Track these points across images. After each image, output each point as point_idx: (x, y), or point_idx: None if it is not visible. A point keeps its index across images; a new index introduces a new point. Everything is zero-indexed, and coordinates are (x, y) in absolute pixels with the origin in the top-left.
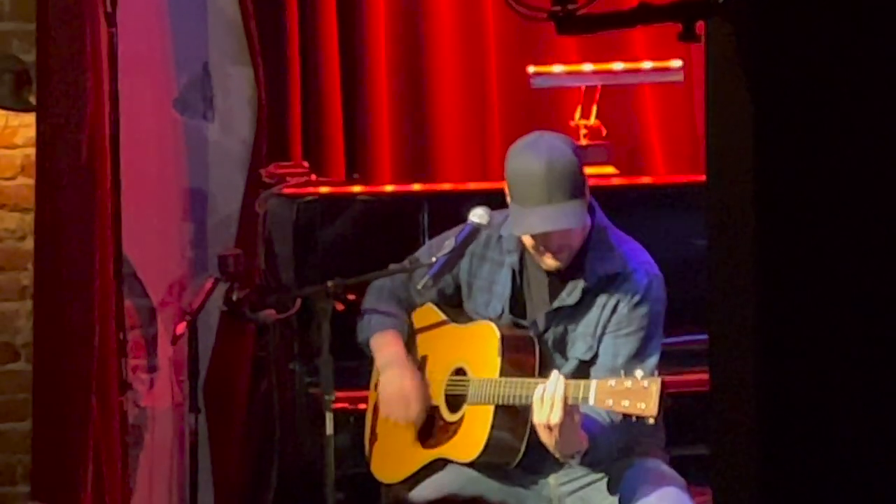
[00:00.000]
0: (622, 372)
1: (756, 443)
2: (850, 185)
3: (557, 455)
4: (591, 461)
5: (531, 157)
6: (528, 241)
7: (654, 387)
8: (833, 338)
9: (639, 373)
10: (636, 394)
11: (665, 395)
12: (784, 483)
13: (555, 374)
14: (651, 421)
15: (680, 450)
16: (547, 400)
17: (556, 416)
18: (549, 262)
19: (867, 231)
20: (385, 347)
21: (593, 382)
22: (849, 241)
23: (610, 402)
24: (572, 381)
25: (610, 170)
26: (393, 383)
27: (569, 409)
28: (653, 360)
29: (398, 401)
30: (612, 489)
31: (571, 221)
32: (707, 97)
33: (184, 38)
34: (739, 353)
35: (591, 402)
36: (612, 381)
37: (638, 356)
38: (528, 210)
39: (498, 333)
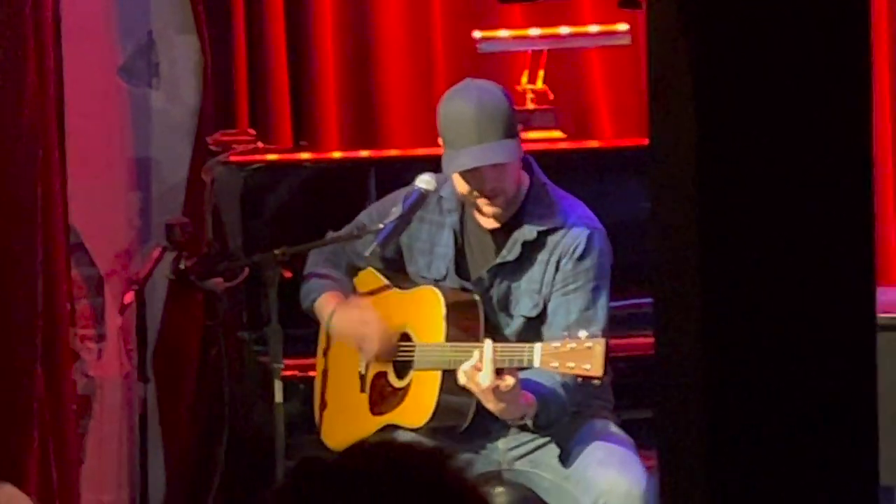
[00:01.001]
0: (566, 334)
1: (702, 405)
2: (794, 146)
3: (507, 420)
4: (544, 423)
5: (461, 100)
6: (462, 186)
7: (598, 347)
8: (778, 298)
9: (583, 333)
10: (581, 355)
11: (609, 357)
12: (730, 444)
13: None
14: (597, 382)
15: (629, 413)
16: (469, 367)
17: (485, 381)
18: (487, 209)
19: (812, 191)
20: (329, 302)
21: (537, 345)
22: (794, 202)
23: (555, 363)
24: (517, 345)
25: (557, 134)
26: (345, 319)
27: (504, 373)
28: (603, 313)
29: (357, 329)
30: (561, 451)
31: (500, 156)
32: (648, 62)
33: (128, 6)
34: (684, 316)
35: (537, 364)
36: (556, 343)
37: (590, 309)
38: (460, 151)
39: (442, 298)
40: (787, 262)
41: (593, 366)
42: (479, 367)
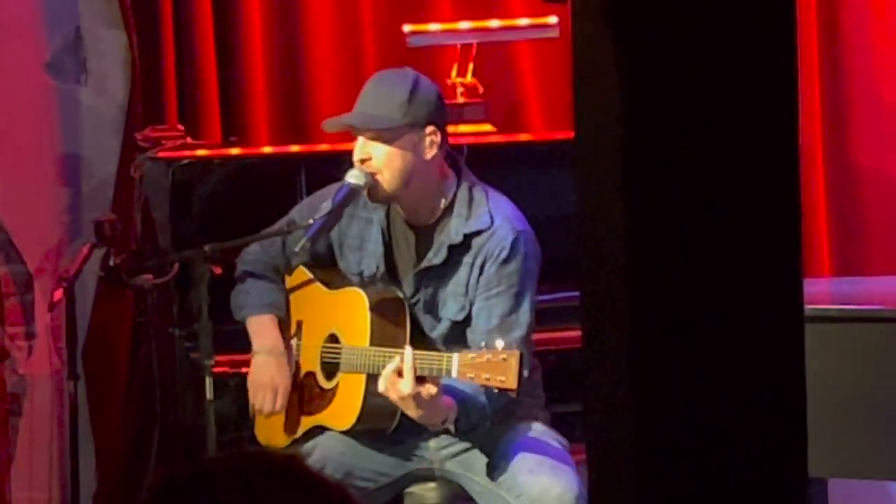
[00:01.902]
0: (484, 345)
1: (629, 399)
2: (720, 138)
3: (427, 425)
4: (465, 427)
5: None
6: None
7: (512, 360)
8: (705, 291)
9: (499, 343)
10: (496, 367)
11: (538, 352)
12: (658, 438)
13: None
14: (513, 394)
15: (560, 407)
16: (389, 374)
17: (406, 388)
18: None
19: (739, 183)
20: (261, 333)
21: (455, 356)
22: (720, 194)
23: (472, 374)
24: (436, 354)
25: (488, 127)
26: (265, 373)
27: (424, 381)
28: (526, 318)
29: (266, 392)
30: (491, 453)
31: (356, 120)
32: (573, 56)
33: (55, 1)
34: (611, 309)
35: (454, 375)
36: (472, 354)
37: (512, 314)
38: None
39: (366, 301)
40: (713, 255)
41: (507, 378)
42: (400, 374)
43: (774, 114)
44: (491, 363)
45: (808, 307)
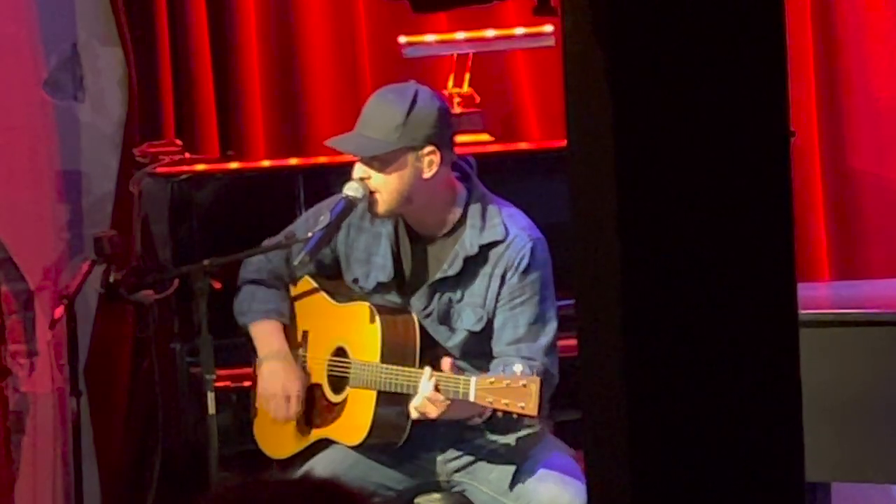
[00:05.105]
0: (502, 370)
1: (625, 406)
2: (712, 146)
3: (464, 420)
4: (501, 424)
5: (378, 91)
6: None
7: (533, 387)
8: (699, 297)
9: (517, 368)
10: (515, 393)
11: (545, 394)
12: (654, 446)
13: (425, 377)
14: (532, 420)
15: (563, 414)
16: (421, 400)
17: (433, 413)
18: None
19: (731, 190)
20: (266, 338)
21: (472, 379)
22: (712, 202)
23: (490, 399)
24: (452, 377)
25: (485, 137)
26: (275, 380)
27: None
28: (553, 325)
29: (279, 399)
30: (500, 463)
31: (350, 147)
32: (564, 68)
33: (51, 19)
34: (605, 317)
35: (472, 398)
36: (490, 378)
37: (538, 322)
38: None
39: (376, 315)
40: (707, 261)
41: (528, 405)
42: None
43: (765, 122)
44: (511, 388)
45: (809, 311)
